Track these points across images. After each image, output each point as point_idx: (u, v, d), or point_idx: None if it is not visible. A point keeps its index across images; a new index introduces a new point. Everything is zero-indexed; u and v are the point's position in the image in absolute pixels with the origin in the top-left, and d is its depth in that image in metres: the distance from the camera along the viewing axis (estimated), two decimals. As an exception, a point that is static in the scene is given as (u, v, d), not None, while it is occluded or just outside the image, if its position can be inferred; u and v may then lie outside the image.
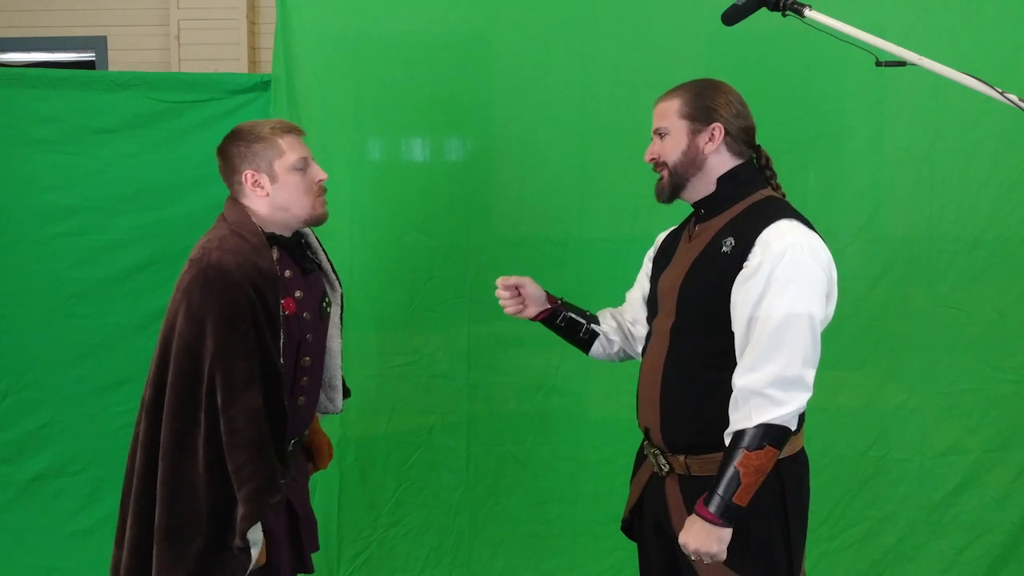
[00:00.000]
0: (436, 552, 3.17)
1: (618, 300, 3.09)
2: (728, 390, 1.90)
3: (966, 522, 3.06)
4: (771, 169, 2.08)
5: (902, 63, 1.81)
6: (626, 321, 2.31)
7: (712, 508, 1.83)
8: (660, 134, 2.06)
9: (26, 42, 4.92)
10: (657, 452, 2.05)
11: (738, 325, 1.89)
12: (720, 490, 1.82)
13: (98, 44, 4.84)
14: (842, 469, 3.02)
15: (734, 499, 1.81)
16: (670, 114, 2.03)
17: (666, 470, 2.03)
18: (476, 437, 3.15)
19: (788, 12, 1.92)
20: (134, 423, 2.15)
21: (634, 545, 2.26)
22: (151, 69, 4.43)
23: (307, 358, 2.17)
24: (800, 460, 2.02)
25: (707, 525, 1.83)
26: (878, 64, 1.86)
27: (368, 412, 3.13)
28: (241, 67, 4.69)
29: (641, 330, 2.25)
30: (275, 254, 2.10)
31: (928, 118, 2.95)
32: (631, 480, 2.23)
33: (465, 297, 3.09)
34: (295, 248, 2.17)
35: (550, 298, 2.28)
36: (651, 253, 2.29)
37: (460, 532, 3.17)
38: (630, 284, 3.07)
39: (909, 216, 3.01)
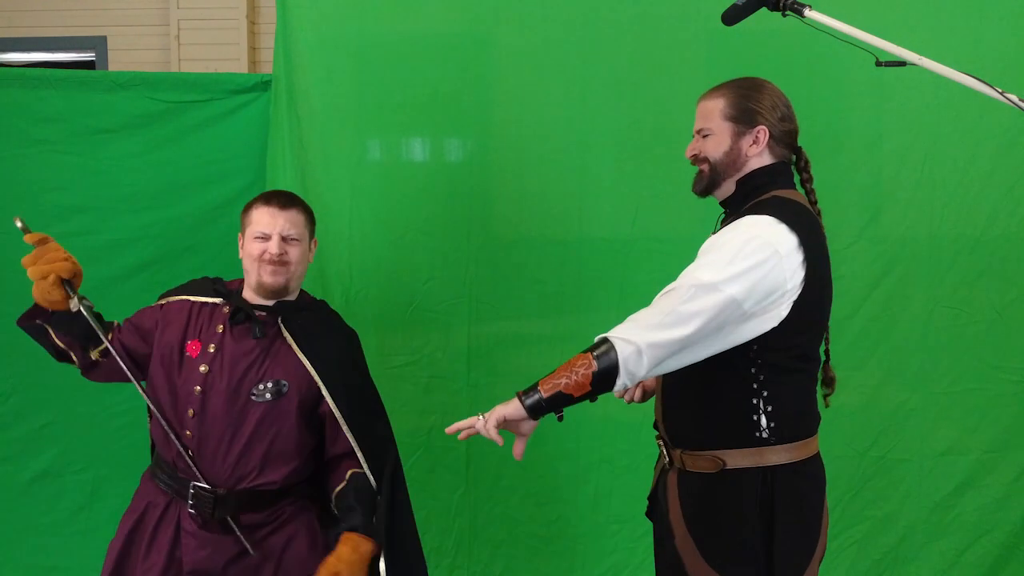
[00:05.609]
0: (436, 553, 3.17)
1: (618, 299, 3.10)
2: (718, 390, 1.91)
3: (967, 522, 3.06)
4: (808, 172, 2.06)
5: (902, 63, 1.82)
6: None
7: (526, 387, 1.87)
8: (703, 135, 2.02)
9: (26, 42, 4.91)
10: (662, 445, 2.08)
11: None
12: (539, 379, 1.86)
13: (98, 44, 4.84)
14: (842, 469, 3.02)
15: (540, 380, 1.85)
16: (714, 115, 2.00)
17: (667, 463, 2.05)
18: (476, 438, 3.13)
19: (788, 12, 1.93)
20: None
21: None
22: (151, 69, 4.43)
23: (191, 411, 2.24)
24: (802, 472, 1.95)
25: (515, 399, 1.88)
26: (878, 64, 1.86)
27: (368, 412, 3.13)
28: (241, 67, 4.69)
29: None
30: (225, 308, 2.32)
31: (928, 118, 2.95)
32: (655, 466, 2.24)
33: (465, 297, 3.09)
34: (238, 312, 2.30)
35: None
36: None
37: (460, 533, 3.17)
38: (630, 284, 3.09)
39: (909, 216, 3.01)
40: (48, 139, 3.10)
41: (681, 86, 2.83)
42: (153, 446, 2.41)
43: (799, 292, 1.86)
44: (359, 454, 2.30)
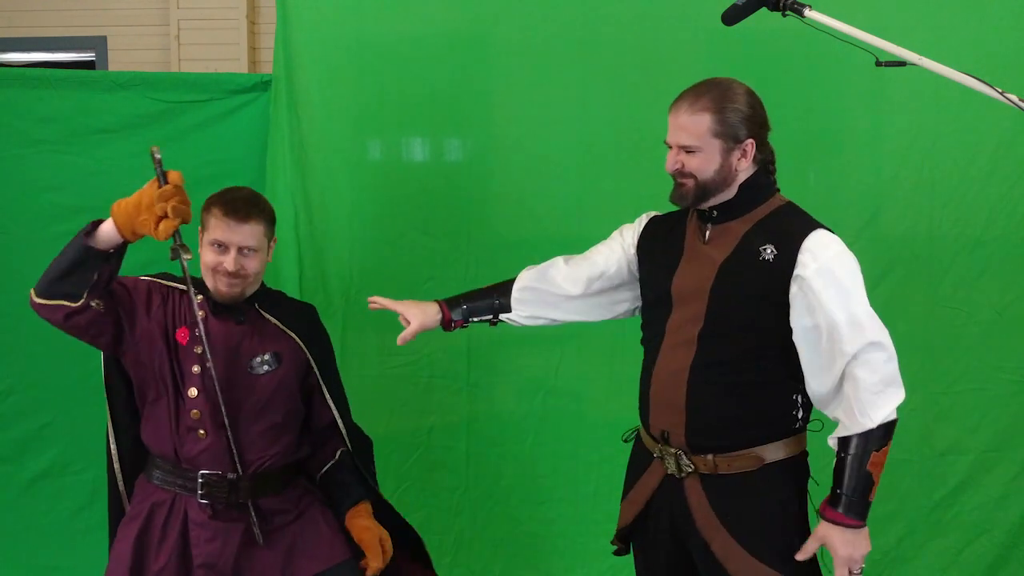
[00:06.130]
0: (436, 552, 3.14)
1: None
2: (762, 389, 1.95)
3: (966, 522, 3.06)
4: (773, 164, 2.09)
5: (902, 63, 1.82)
6: (564, 282, 2.29)
7: (850, 512, 1.88)
8: (688, 151, 1.99)
9: (26, 42, 4.91)
10: (679, 453, 2.02)
11: (808, 332, 1.91)
12: (856, 495, 1.88)
13: (98, 44, 4.83)
14: (842, 469, 3.02)
15: (870, 498, 1.90)
16: (702, 132, 1.97)
17: (688, 471, 2.01)
18: (476, 437, 3.15)
19: (788, 12, 1.93)
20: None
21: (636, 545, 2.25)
22: (151, 69, 4.42)
23: (194, 390, 2.23)
24: (805, 460, 2.07)
25: (852, 531, 1.88)
26: (878, 64, 1.86)
27: (367, 413, 3.11)
28: (241, 67, 4.68)
29: (572, 289, 2.27)
30: (199, 297, 2.26)
31: (928, 118, 2.95)
32: (626, 495, 2.19)
33: (465, 297, 3.09)
34: (218, 306, 2.29)
35: (444, 318, 2.29)
36: (635, 235, 2.24)
37: (460, 532, 3.17)
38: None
39: (909, 216, 3.00)
40: (47, 139, 3.10)
41: (681, 86, 2.82)
42: (139, 451, 2.36)
43: None
44: (341, 425, 2.40)
